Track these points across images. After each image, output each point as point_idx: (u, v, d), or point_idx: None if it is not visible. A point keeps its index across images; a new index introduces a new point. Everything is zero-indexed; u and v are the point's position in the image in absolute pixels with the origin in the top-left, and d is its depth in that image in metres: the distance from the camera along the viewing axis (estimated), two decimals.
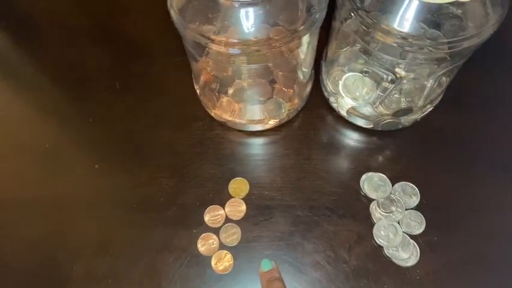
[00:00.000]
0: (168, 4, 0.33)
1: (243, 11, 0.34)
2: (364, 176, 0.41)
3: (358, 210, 0.40)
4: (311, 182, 0.41)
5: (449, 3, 0.32)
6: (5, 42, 0.52)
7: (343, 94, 0.41)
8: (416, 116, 0.42)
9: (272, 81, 0.41)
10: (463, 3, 0.32)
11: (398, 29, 0.33)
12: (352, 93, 0.40)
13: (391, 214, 0.39)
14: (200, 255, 0.39)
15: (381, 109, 0.40)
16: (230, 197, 0.41)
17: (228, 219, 0.40)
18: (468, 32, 0.33)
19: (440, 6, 0.32)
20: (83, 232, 0.40)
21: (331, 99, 0.44)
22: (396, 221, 0.39)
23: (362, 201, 0.40)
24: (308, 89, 0.44)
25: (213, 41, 0.34)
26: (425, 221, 0.39)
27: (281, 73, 0.41)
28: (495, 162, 0.42)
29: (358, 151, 0.43)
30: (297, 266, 0.38)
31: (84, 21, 0.53)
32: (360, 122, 0.43)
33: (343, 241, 0.39)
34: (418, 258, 0.38)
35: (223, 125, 0.44)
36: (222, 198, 0.41)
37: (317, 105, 0.45)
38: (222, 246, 0.39)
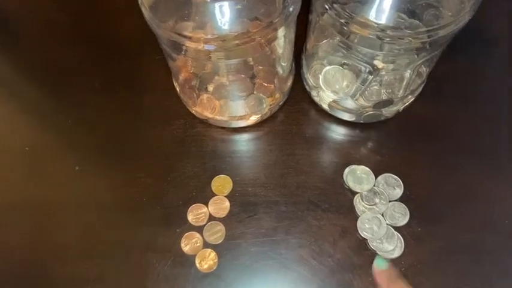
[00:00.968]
0: (139, 1, 0.33)
1: (217, 6, 0.33)
2: (347, 169, 0.41)
3: (342, 203, 0.40)
4: (295, 177, 0.41)
5: None
6: None
7: (323, 88, 0.41)
8: (398, 107, 0.42)
9: (252, 77, 0.41)
10: None
11: (375, 21, 0.33)
12: (333, 87, 0.40)
13: (374, 206, 0.39)
14: (184, 254, 0.38)
15: (362, 101, 0.40)
16: (213, 194, 0.41)
17: (211, 217, 0.40)
18: (445, 20, 0.33)
19: None
20: (66, 235, 0.40)
21: (313, 93, 0.44)
22: (380, 213, 0.39)
23: (346, 194, 0.40)
24: (289, 83, 0.44)
25: (190, 38, 0.33)
26: (409, 212, 0.39)
27: (261, 68, 0.41)
28: (478, 152, 0.42)
29: (341, 144, 0.43)
30: (281, 261, 0.38)
31: (63, 19, 0.52)
32: (342, 115, 0.43)
33: (327, 235, 0.39)
34: (402, 249, 0.37)
35: (205, 123, 0.44)
36: (205, 197, 0.40)
37: (299, 99, 0.45)
38: (206, 244, 0.39)
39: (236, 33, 0.33)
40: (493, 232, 0.38)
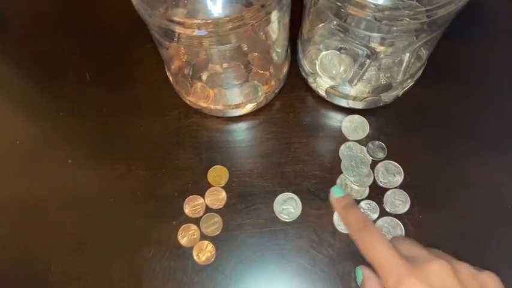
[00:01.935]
0: None
1: None
2: (346, 157, 0.40)
3: None
4: (292, 166, 0.40)
5: None
6: None
7: (320, 73, 0.39)
8: (397, 91, 0.40)
9: (247, 64, 0.40)
10: None
11: (373, 1, 0.32)
12: (329, 72, 0.39)
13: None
14: (181, 247, 0.38)
15: (360, 87, 0.39)
16: (210, 185, 0.40)
17: (208, 209, 0.39)
18: None
19: None
20: (59, 230, 0.39)
21: (310, 80, 0.42)
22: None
23: None
24: (285, 70, 0.43)
25: (182, 24, 0.32)
26: (410, 199, 0.38)
27: (255, 54, 0.40)
28: (479, 137, 0.41)
29: (339, 132, 0.42)
30: (280, 252, 0.37)
31: (50, 10, 0.51)
32: (340, 102, 0.42)
33: (327, 224, 0.38)
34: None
35: (200, 113, 0.43)
36: (202, 188, 0.40)
37: (295, 86, 0.44)
38: (203, 236, 0.38)
39: (229, 18, 0.32)
40: (494, 218, 0.38)
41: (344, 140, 0.41)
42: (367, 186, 0.39)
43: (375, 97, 0.40)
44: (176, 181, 0.40)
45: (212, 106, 0.41)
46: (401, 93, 0.41)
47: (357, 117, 0.42)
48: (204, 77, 0.40)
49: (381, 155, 0.40)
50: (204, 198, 0.39)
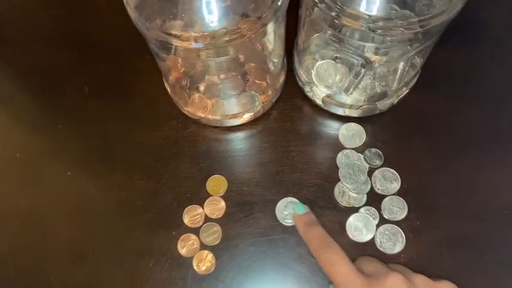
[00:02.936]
0: (124, 1, 0.32)
1: (205, 3, 0.32)
2: (343, 165, 0.40)
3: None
4: (290, 174, 0.41)
5: None
6: None
7: (316, 82, 0.40)
8: (392, 99, 0.41)
9: (244, 74, 0.40)
10: None
11: (367, 12, 0.33)
12: (325, 81, 0.39)
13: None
14: (181, 257, 0.38)
15: (356, 95, 0.40)
16: (208, 195, 0.40)
17: (207, 218, 0.39)
18: (437, 9, 0.32)
19: None
20: (60, 241, 0.39)
21: (306, 89, 0.43)
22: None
23: None
24: (281, 79, 0.43)
25: (179, 37, 0.32)
26: (407, 206, 0.38)
27: (252, 65, 0.40)
28: (475, 142, 0.42)
29: (336, 140, 0.42)
30: (280, 260, 0.37)
31: (49, 22, 0.51)
32: (336, 110, 0.42)
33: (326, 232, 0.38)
34: (404, 244, 0.37)
35: (198, 123, 0.43)
36: (201, 198, 0.40)
37: (292, 95, 0.44)
38: (203, 246, 0.38)
39: (225, 30, 0.32)
40: (492, 223, 0.38)
41: (341, 147, 0.42)
42: (365, 194, 0.39)
43: (371, 105, 0.40)
44: (175, 191, 0.40)
45: (210, 116, 0.42)
46: (396, 101, 0.42)
47: (353, 125, 0.42)
48: (202, 87, 0.41)
49: (378, 162, 0.40)
50: (203, 207, 0.39)
